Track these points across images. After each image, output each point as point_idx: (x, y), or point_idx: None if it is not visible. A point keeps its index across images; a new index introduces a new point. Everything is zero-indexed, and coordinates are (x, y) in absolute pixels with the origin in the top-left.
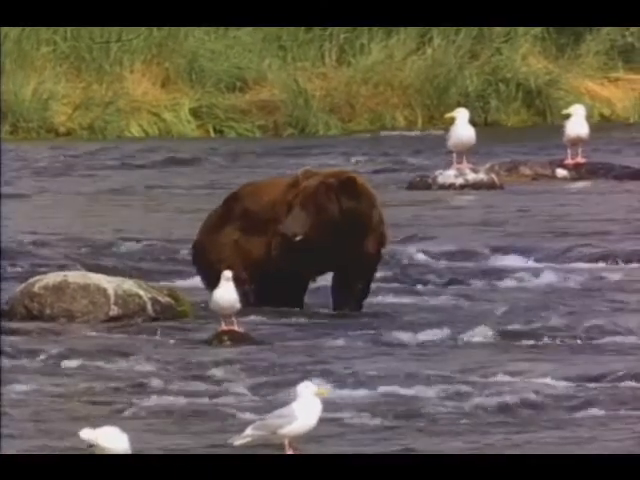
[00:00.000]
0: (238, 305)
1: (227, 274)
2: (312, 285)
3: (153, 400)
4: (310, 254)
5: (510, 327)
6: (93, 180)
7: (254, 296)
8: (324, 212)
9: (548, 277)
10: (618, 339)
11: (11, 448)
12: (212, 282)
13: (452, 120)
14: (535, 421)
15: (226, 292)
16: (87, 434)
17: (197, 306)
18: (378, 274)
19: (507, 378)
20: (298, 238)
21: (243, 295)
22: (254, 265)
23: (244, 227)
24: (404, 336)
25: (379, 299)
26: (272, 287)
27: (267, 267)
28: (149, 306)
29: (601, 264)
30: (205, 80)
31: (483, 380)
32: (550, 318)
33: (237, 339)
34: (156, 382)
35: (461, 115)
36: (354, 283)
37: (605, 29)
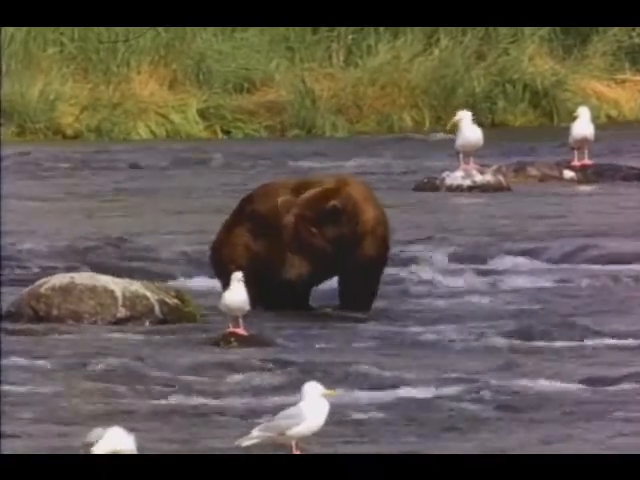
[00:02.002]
0: (247, 307)
1: (237, 275)
2: (319, 287)
3: (159, 401)
4: (312, 263)
5: (513, 327)
6: (98, 181)
7: (261, 298)
8: (313, 248)
9: (554, 278)
10: (624, 341)
11: (11, 448)
12: (226, 282)
13: (456, 127)
14: (536, 422)
15: (236, 293)
16: (98, 434)
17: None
18: (384, 274)
19: (509, 378)
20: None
21: (252, 297)
22: (262, 267)
23: (252, 229)
24: (410, 336)
25: (385, 299)
26: (277, 289)
27: (273, 269)
28: (157, 308)
29: (608, 265)
30: (212, 81)
31: (485, 380)
32: (555, 319)
33: (244, 341)
34: (162, 383)
35: (465, 118)
36: (359, 286)
37: (612, 30)
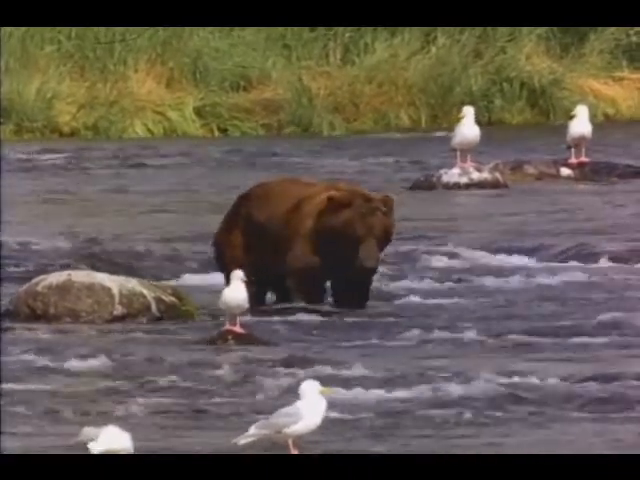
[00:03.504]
0: (246, 305)
1: (237, 274)
2: None
3: (156, 399)
4: (319, 260)
5: (512, 326)
6: (96, 179)
7: (262, 297)
8: (390, 234)
9: (551, 275)
10: (623, 338)
11: (11, 448)
12: (228, 279)
13: (459, 119)
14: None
15: (235, 291)
16: (89, 433)
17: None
18: (385, 273)
19: (505, 377)
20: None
21: (252, 296)
22: (264, 267)
23: (250, 231)
24: (407, 335)
25: (384, 299)
26: (285, 287)
27: (276, 270)
28: (153, 305)
29: (604, 264)
30: (209, 79)
31: (484, 378)
32: (553, 317)
33: (241, 338)
34: (160, 381)
35: (468, 114)
36: (354, 284)
37: (609, 28)
